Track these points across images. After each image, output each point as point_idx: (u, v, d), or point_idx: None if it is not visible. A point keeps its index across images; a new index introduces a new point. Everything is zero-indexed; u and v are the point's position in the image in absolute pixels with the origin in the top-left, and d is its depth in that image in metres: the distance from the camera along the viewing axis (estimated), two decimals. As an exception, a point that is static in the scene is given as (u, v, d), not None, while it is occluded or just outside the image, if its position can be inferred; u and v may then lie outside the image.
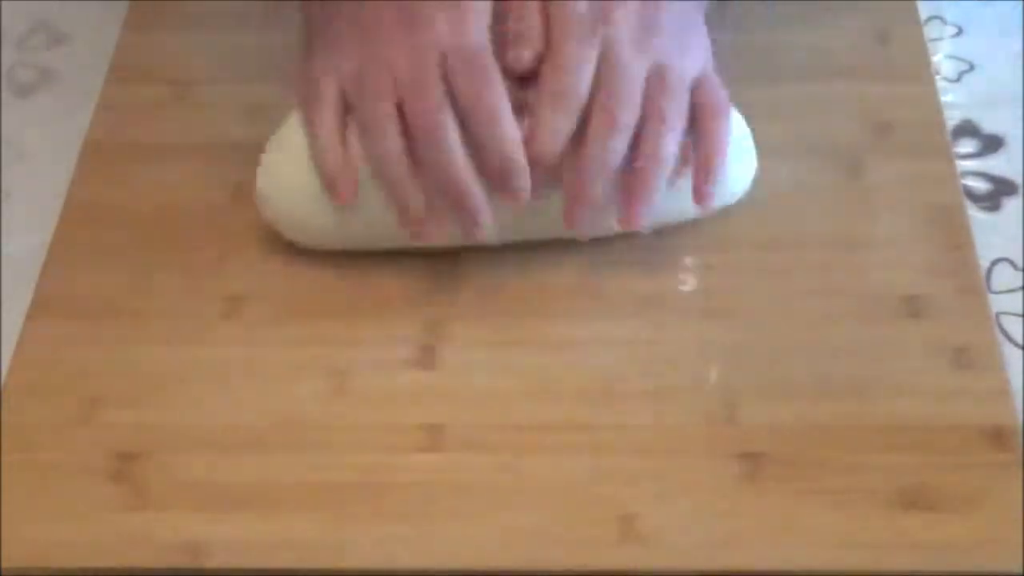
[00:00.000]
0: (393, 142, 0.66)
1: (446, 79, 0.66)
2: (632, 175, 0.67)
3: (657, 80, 0.67)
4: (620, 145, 0.66)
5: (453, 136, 0.66)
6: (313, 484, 0.65)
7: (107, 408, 0.68)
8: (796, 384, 0.68)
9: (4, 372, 0.70)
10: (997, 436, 0.66)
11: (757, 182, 0.73)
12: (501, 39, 0.67)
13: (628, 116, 0.66)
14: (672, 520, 0.63)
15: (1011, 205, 0.79)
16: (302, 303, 0.71)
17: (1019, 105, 0.84)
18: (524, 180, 0.66)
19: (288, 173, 0.70)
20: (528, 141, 0.66)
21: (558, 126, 0.66)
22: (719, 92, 0.69)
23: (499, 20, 0.68)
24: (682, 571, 0.62)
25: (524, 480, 0.65)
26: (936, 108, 0.81)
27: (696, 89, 0.68)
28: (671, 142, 0.67)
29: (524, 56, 0.67)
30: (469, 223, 0.68)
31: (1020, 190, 0.80)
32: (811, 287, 0.72)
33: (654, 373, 0.68)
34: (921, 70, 0.83)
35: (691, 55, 0.69)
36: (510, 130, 0.66)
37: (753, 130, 0.73)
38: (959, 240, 0.74)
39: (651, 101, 0.67)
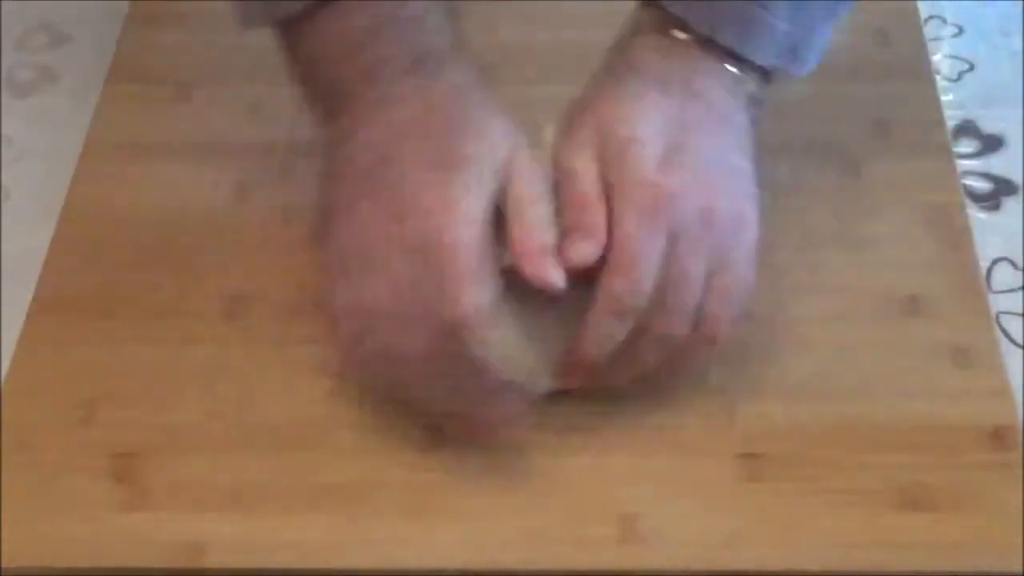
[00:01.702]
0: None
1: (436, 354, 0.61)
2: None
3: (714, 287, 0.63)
4: (667, 346, 0.64)
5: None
6: (313, 484, 0.65)
7: (107, 408, 0.68)
8: (796, 384, 0.68)
9: (4, 372, 0.70)
10: (997, 436, 0.66)
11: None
12: (563, 231, 0.63)
13: (684, 326, 0.63)
14: (672, 520, 0.63)
15: (1011, 205, 0.79)
16: (302, 303, 0.71)
17: (1019, 105, 0.84)
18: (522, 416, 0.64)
19: None
20: (580, 341, 0.63)
21: (613, 332, 0.62)
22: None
23: (559, 211, 0.64)
24: (682, 571, 0.62)
25: (524, 480, 0.65)
26: (936, 108, 0.81)
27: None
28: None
29: (586, 250, 0.62)
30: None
31: (1020, 190, 0.80)
32: (811, 287, 0.72)
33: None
34: (921, 70, 0.83)
35: (745, 250, 0.64)
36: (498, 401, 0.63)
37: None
38: (959, 240, 0.74)
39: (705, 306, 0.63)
